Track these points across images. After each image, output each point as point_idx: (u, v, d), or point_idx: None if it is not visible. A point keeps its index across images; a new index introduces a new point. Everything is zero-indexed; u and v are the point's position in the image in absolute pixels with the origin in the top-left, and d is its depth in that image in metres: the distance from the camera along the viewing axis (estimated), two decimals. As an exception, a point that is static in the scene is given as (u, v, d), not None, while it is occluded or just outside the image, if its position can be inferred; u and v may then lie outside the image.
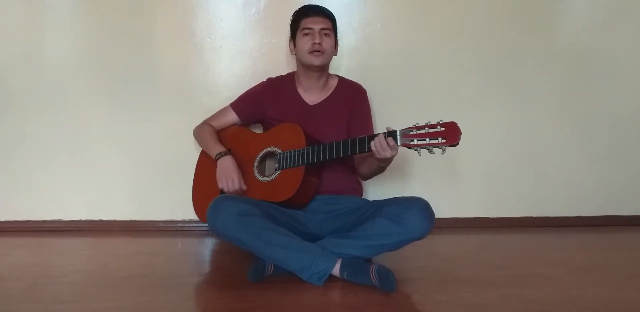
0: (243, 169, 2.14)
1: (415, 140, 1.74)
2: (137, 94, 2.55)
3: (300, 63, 2.19)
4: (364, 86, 2.32)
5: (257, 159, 2.13)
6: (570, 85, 2.79)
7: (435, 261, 2.17)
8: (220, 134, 2.29)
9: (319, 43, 2.09)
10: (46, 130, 2.53)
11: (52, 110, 2.53)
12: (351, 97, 2.25)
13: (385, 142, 1.79)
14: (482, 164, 2.76)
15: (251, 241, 1.80)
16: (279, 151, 2.07)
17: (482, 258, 2.25)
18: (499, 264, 2.14)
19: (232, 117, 2.30)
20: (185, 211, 2.53)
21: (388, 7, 2.63)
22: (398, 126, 1.81)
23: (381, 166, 1.98)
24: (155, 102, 2.56)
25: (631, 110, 2.85)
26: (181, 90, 2.56)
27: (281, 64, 2.53)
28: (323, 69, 2.19)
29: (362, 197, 2.24)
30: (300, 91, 2.24)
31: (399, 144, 1.77)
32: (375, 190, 2.58)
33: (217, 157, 2.14)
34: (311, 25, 2.11)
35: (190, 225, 2.60)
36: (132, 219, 2.60)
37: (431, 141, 1.71)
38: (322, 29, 2.11)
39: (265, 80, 2.32)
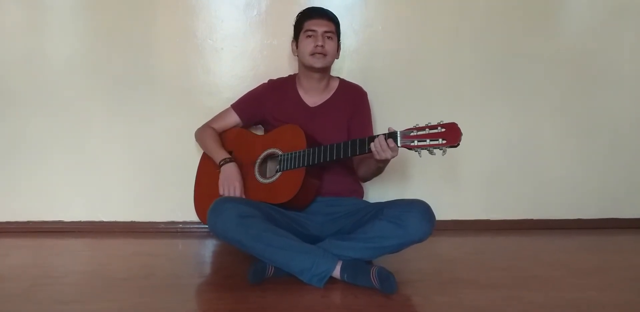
0: (244, 170, 2.14)
1: (416, 141, 1.73)
2: (137, 94, 2.55)
3: (302, 64, 2.19)
4: (365, 88, 2.32)
5: (258, 160, 2.13)
6: (571, 88, 2.79)
7: (436, 263, 2.17)
8: (222, 136, 2.29)
9: (322, 45, 2.09)
10: (47, 131, 2.53)
11: (53, 111, 2.53)
12: (352, 99, 2.26)
13: (385, 143, 1.79)
14: (483, 166, 2.76)
15: (251, 242, 1.80)
16: (280, 153, 2.07)
17: (483, 260, 2.25)
18: (500, 266, 2.14)
19: (234, 118, 2.30)
20: (186, 212, 2.53)
21: (389, 8, 2.63)
22: (399, 127, 1.81)
23: (379, 166, 1.98)
24: (156, 103, 2.56)
25: (631, 113, 2.85)
26: (182, 91, 2.56)
27: (282, 65, 2.53)
28: (324, 71, 2.19)
29: (363, 199, 2.25)
30: (301, 93, 2.24)
31: (399, 145, 1.77)
32: (376, 192, 2.58)
33: (222, 163, 2.14)
34: (315, 27, 2.11)
35: (191, 226, 2.60)
36: (133, 220, 2.60)
37: (431, 142, 1.70)
38: (326, 31, 2.11)
39: (266, 81, 2.32)
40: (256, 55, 2.57)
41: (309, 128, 2.07)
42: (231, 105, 2.32)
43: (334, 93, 2.25)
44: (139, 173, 2.59)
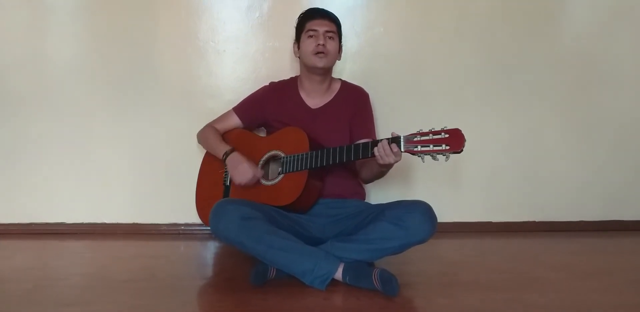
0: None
1: (419, 147, 1.73)
2: (139, 96, 2.56)
3: (304, 65, 2.19)
4: (367, 89, 2.32)
5: (261, 162, 2.13)
6: (572, 90, 2.79)
7: (438, 265, 2.17)
8: (224, 137, 2.29)
9: (323, 44, 2.10)
10: (49, 132, 2.54)
11: (55, 113, 2.53)
12: (354, 101, 2.26)
13: (389, 148, 1.78)
14: (485, 168, 2.75)
15: (253, 244, 1.80)
16: (282, 155, 2.07)
17: (485, 262, 2.25)
18: (501, 269, 2.14)
19: (235, 121, 2.30)
20: (188, 214, 2.53)
21: (390, 10, 2.63)
22: (400, 129, 1.82)
23: (382, 170, 1.99)
24: (158, 105, 2.57)
25: (633, 115, 2.85)
26: (184, 93, 2.57)
27: (284, 67, 2.53)
28: (326, 71, 2.19)
29: (365, 201, 2.24)
30: (303, 95, 2.24)
31: (402, 150, 1.77)
32: (378, 194, 2.58)
33: (224, 157, 2.14)
34: (316, 27, 2.12)
35: (193, 228, 2.60)
36: (135, 222, 2.60)
37: (435, 148, 1.70)
38: (327, 31, 2.12)
39: (267, 84, 2.32)
40: (258, 57, 2.58)
41: (310, 130, 2.07)
42: (233, 108, 2.32)
43: (335, 95, 2.25)
44: (141, 175, 2.59)
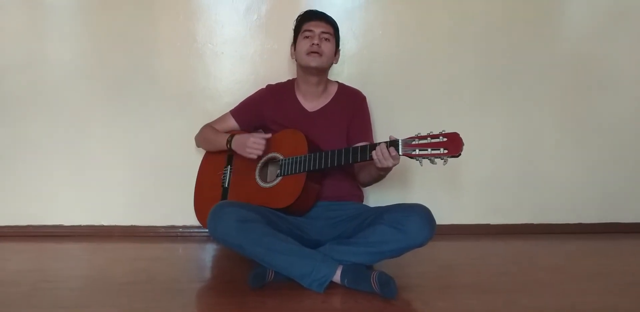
0: (245, 174, 2.14)
1: (417, 150, 1.73)
2: (138, 98, 2.55)
3: (299, 66, 2.19)
4: (365, 92, 2.32)
5: (259, 164, 2.13)
6: (570, 92, 2.79)
7: (436, 267, 2.17)
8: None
9: (317, 44, 2.10)
10: (47, 134, 2.53)
11: (53, 115, 2.53)
12: (351, 104, 2.26)
13: (387, 151, 1.78)
14: (483, 171, 2.76)
15: (252, 247, 1.80)
16: (281, 157, 2.07)
17: (483, 265, 2.25)
18: (500, 271, 2.14)
19: (232, 123, 2.30)
20: (186, 217, 2.53)
21: (389, 13, 2.63)
22: (398, 132, 1.82)
23: (380, 174, 1.98)
24: (156, 107, 2.56)
25: (631, 118, 2.85)
26: (182, 95, 2.56)
27: (282, 69, 2.53)
28: (321, 73, 2.19)
29: (363, 203, 2.24)
30: (300, 97, 2.25)
31: (400, 153, 1.77)
32: (376, 197, 2.58)
33: (228, 144, 2.14)
34: (312, 28, 2.13)
35: (191, 230, 2.60)
36: (133, 224, 2.60)
37: (433, 151, 1.70)
38: (323, 32, 2.13)
39: (265, 86, 2.32)
40: (256, 59, 2.58)
41: (308, 133, 2.07)
42: (230, 110, 2.32)
43: (332, 98, 2.25)
44: (139, 177, 2.59)
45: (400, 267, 2.04)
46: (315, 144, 2.05)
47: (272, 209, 1.98)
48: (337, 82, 2.32)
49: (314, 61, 2.11)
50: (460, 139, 1.68)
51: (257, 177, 2.11)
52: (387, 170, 1.90)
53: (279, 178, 2.05)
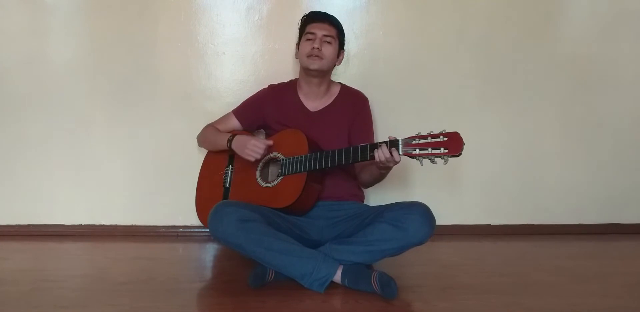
0: (246, 174, 2.14)
1: (418, 150, 1.73)
2: (139, 98, 2.55)
3: (301, 67, 2.20)
4: (366, 93, 2.32)
5: (260, 164, 2.13)
6: (571, 93, 2.79)
7: (437, 268, 2.17)
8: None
9: (318, 48, 2.11)
10: (48, 134, 2.53)
11: (54, 115, 2.52)
12: (353, 105, 2.26)
13: (387, 151, 1.78)
14: (484, 171, 2.75)
15: (252, 246, 1.80)
16: (282, 157, 2.07)
17: (483, 265, 2.25)
18: (500, 272, 2.14)
19: (234, 123, 2.30)
20: (187, 216, 2.53)
21: (390, 14, 2.63)
22: (399, 132, 1.82)
23: (382, 173, 1.99)
24: (157, 107, 2.56)
25: (632, 118, 2.85)
26: (183, 95, 2.56)
27: (283, 70, 2.53)
28: (322, 75, 2.19)
29: (364, 203, 2.24)
30: (302, 97, 2.25)
31: (400, 153, 1.77)
32: (377, 196, 2.57)
33: (229, 143, 2.14)
34: (315, 30, 2.14)
35: (191, 230, 2.60)
36: (133, 224, 2.59)
37: (433, 151, 1.70)
38: (325, 35, 2.13)
39: (267, 86, 2.33)
40: (257, 59, 2.58)
41: (309, 133, 2.07)
42: (232, 110, 2.33)
43: (335, 98, 2.25)
44: (140, 177, 2.59)
45: (400, 267, 2.04)
46: (316, 144, 2.05)
47: (273, 209, 1.98)
48: (339, 83, 2.32)
49: (313, 64, 2.12)
50: (461, 139, 1.68)
51: (258, 177, 2.12)
52: (388, 169, 1.91)
53: (280, 178, 2.05)
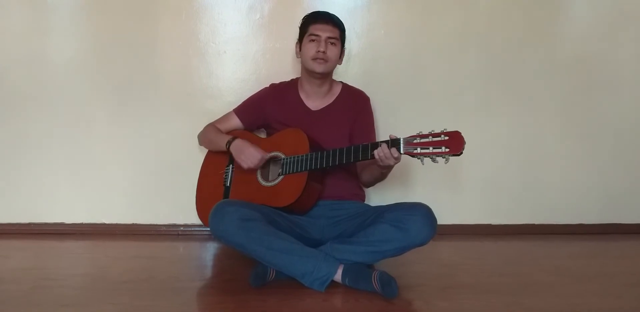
0: (247, 173, 2.14)
1: (419, 149, 1.73)
2: (140, 97, 2.55)
3: (304, 68, 2.19)
4: (367, 92, 2.32)
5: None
6: (572, 93, 2.79)
7: (437, 267, 2.17)
8: (225, 137, 2.29)
9: (324, 51, 2.09)
10: (48, 133, 2.53)
11: (55, 113, 2.53)
12: (354, 104, 2.26)
13: (388, 150, 1.78)
14: (485, 171, 2.75)
15: (253, 245, 1.80)
16: (283, 156, 2.07)
17: (484, 265, 2.25)
18: (501, 272, 2.14)
19: (235, 122, 2.30)
20: (187, 215, 2.53)
21: (391, 13, 2.63)
22: (401, 132, 1.82)
23: (383, 172, 1.98)
24: (159, 106, 2.56)
25: (633, 118, 2.85)
26: (184, 94, 2.57)
27: (285, 69, 2.53)
28: (325, 76, 2.19)
29: (365, 203, 2.24)
30: (303, 97, 2.24)
31: (401, 152, 1.77)
32: (378, 196, 2.57)
33: (228, 145, 2.14)
34: (319, 32, 2.11)
35: (192, 229, 2.60)
36: (134, 222, 2.60)
37: (434, 150, 1.70)
38: (329, 37, 2.11)
39: (268, 85, 2.32)
40: (259, 58, 2.58)
41: (310, 132, 2.07)
42: (233, 109, 2.33)
43: (336, 98, 2.25)
44: (141, 176, 2.59)
45: (401, 266, 2.04)
46: (317, 143, 2.05)
47: (274, 208, 1.99)
48: (341, 82, 2.32)
49: (319, 67, 2.11)
50: (462, 138, 1.68)
51: (258, 176, 2.12)
52: (389, 168, 1.91)
53: (281, 177, 2.05)
